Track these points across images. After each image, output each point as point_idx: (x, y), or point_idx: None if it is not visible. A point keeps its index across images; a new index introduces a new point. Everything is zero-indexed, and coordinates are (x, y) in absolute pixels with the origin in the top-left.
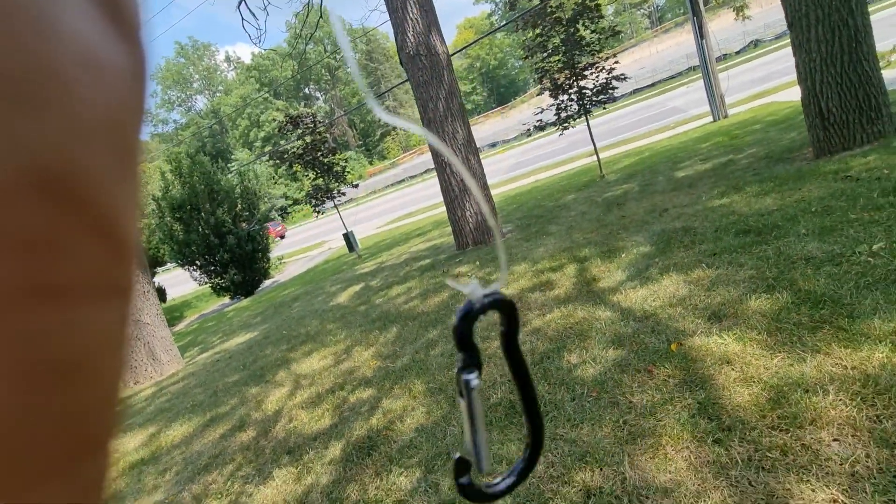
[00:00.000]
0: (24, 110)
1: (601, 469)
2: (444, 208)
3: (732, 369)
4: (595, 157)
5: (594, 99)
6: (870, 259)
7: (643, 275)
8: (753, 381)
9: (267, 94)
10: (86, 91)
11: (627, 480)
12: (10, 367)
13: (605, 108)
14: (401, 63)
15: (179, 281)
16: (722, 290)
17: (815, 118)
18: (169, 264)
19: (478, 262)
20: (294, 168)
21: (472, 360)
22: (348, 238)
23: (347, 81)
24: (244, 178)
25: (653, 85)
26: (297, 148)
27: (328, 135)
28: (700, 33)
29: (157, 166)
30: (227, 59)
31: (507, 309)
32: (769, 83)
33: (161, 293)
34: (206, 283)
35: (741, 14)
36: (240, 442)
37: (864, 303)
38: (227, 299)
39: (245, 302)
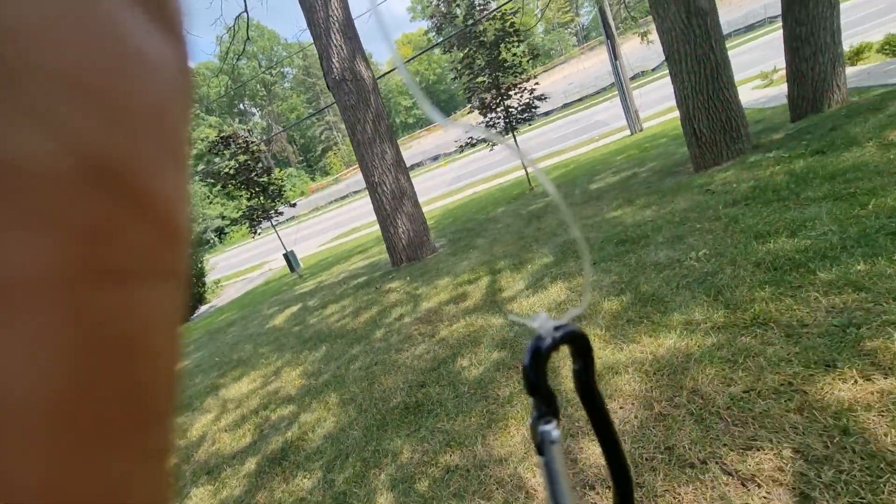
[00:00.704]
0: (80, 105)
1: (461, 450)
2: None
3: None
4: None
5: (519, 117)
6: (695, 263)
7: (538, 283)
8: None
9: (198, 111)
10: (135, 85)
11: (477, 456)
12: (75, 344)
13: (529, 125)
14: (328, 87)
15: None
16: (588, 295)
17: (692, 137)
18: None
19: (408, 278)
20: (228, 188)
21: (548, 407)
22: (288, 258)
23: (285, 97)
24: None
25: (581, 100)
26: (230, 168)
27: (263, 153)
28: (614, 54)
29: None
30: None
31: (582, 343)
32: None
33: None
34: None
35: (645, 39)
36: None
37: (676, 300)
38: None
39: None
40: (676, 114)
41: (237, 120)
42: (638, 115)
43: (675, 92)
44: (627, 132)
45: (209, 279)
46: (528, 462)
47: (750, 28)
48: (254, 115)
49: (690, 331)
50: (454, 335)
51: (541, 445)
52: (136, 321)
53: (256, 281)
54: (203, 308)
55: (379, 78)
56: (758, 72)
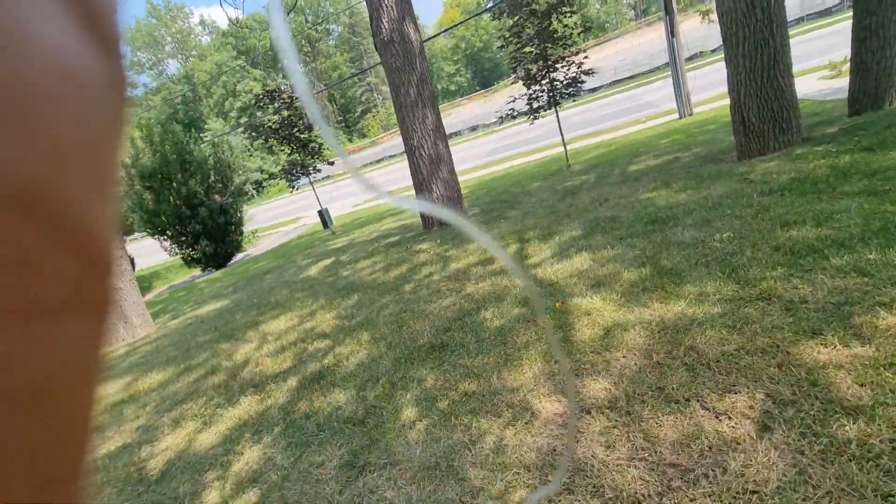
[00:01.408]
0: None
1: (478, 381)
2: None
3: (588, 318)
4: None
5: (564, 91)
6: (717, 244)
7: (564, 253)
8: (597, 325)
9: (244, 63)
10: (61, 105)
11: (492, 385)
12: None
13: (574, 101)
14: (375, 48)
15: (149, 252)
16: (610, 266)
17: (739, 125)
18: (137, 234)
19: (439, 240)
20: (269, 142)
21: None
22: (323, 215)
23: (329, 54)
24: (218, 150)
25: (632, 77)
26: (274, 122)
27: (305, 109)
28: (672, 32)
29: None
30: (203, 22)
31: None
32: None
33: (130, 262)
34: (176, 253)
35: (706, 18)
36: (211, 383)
37: (692, 274)
38: (197, 271)
39: (216, 274)
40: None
41: (280, 75)
42: (689, 98)
43: (728, 77)
44: (676, 115)
45: (247, 229)
46: (536, 391)
47: (826, 12)
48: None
49: (700, 301)
50: (480, 292)
51: None
52: (50, 362)
53: (290, 234)
54: (239, 256)
55: (425, 41)
56: (827, 61)
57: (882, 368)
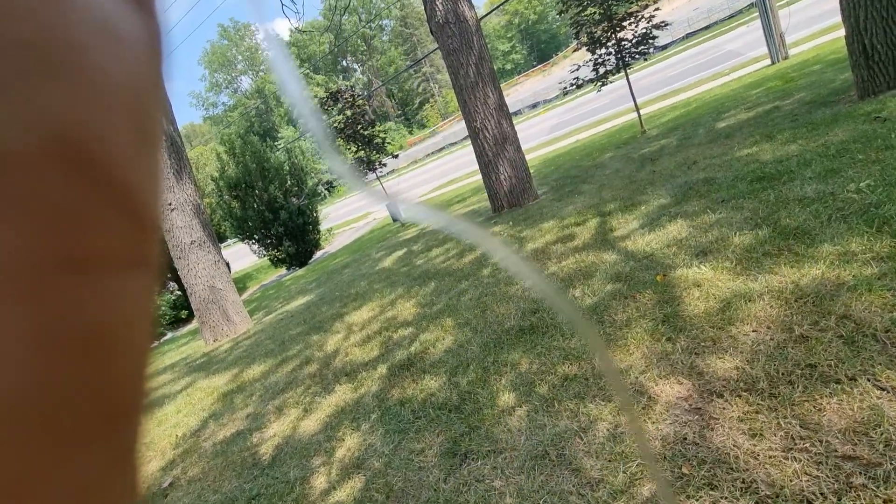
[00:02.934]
0: (44, 79)
1: (578, 363)
2: None
3: (699, 290)
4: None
5: (633, 51)
6: (854, 195)
7: (654, 223)
8: (711, 297)
9: (307, 70)
10: (104, 61)
11: (595, 368)
12: (38, 337)
13: (646, 60)
14: (431, 32)
15: (240, 255)
16: (716, 231)
17: (860, 57)
18: (230, 240)
19: (511, 222)
20: (336, 142)
21: None
22: (391, 208)
23: (384, 51)
24: (292, 155)
25: (708, 27)
26: (338, 122)
27: (367, 107)
28: None
29: (213, 148)
30: (267, 37)
31: None
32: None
33: (227, 266)
34: (264, 255)
35: None
36: (307, 373)
37: (826, 232)
38: (283, 270)
39: (300, 271)
40: (836, 34)
41: (341, 77)
42: (784, 39)
43: (840, 1)
44: (767, 62)
45: (323, 228)
46: (649, 373)
47: None
48: (355, 70)
49: (845, 261)
50: (564, 270)
51: None
52: (107, 312)
53: (363, 230)
54: (318, 253)
55: (481, 19)
56: None
57: None
